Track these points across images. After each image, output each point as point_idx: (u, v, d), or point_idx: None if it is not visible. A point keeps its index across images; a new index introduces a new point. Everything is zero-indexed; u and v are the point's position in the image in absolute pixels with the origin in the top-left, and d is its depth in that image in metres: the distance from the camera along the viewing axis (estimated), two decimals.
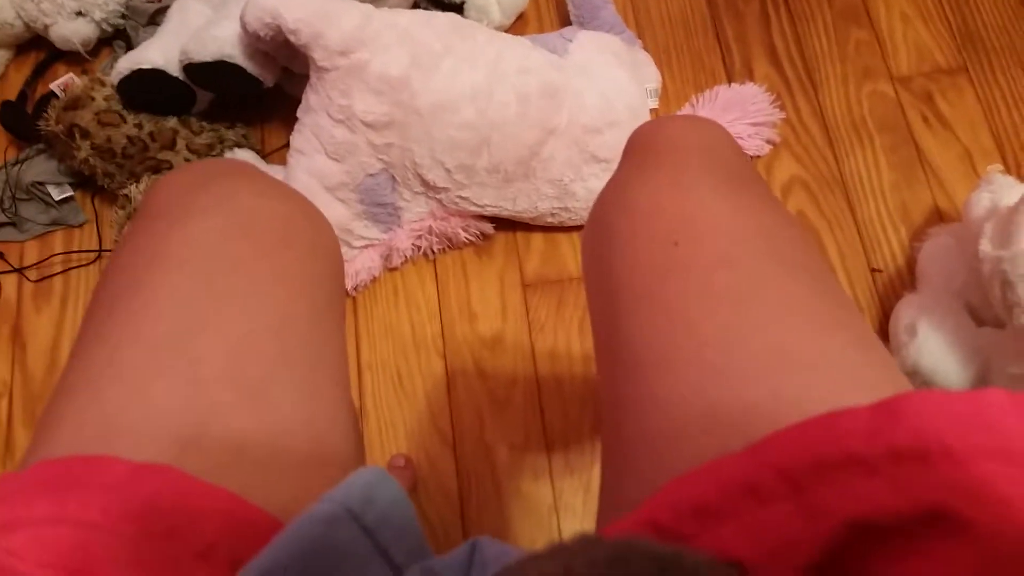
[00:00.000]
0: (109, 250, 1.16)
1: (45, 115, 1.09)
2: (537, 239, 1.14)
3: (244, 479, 0.38)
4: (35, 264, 1.15)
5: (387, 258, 1.11)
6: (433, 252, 1.12)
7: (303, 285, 0.47)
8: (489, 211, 1.09)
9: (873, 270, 1.12)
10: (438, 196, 1.07)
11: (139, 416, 0.38)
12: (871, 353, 0.37)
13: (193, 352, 0.40)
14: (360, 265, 1.09)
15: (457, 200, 1.07)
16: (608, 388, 0.42)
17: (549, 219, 1.11)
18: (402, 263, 1.12)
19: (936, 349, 0.93)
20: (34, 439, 0.40)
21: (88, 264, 1.16)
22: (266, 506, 0.38)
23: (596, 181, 1.08)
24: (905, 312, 0.99)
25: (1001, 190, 0.97)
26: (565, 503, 0.99)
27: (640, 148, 0.50)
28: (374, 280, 1.12)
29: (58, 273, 1.15)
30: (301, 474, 0.41)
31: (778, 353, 0.35)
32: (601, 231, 0.47)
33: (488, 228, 1.12)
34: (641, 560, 0.18)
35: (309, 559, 0.32)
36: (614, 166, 1.07)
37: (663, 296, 0.39)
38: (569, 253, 1.13)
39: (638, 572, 0.17)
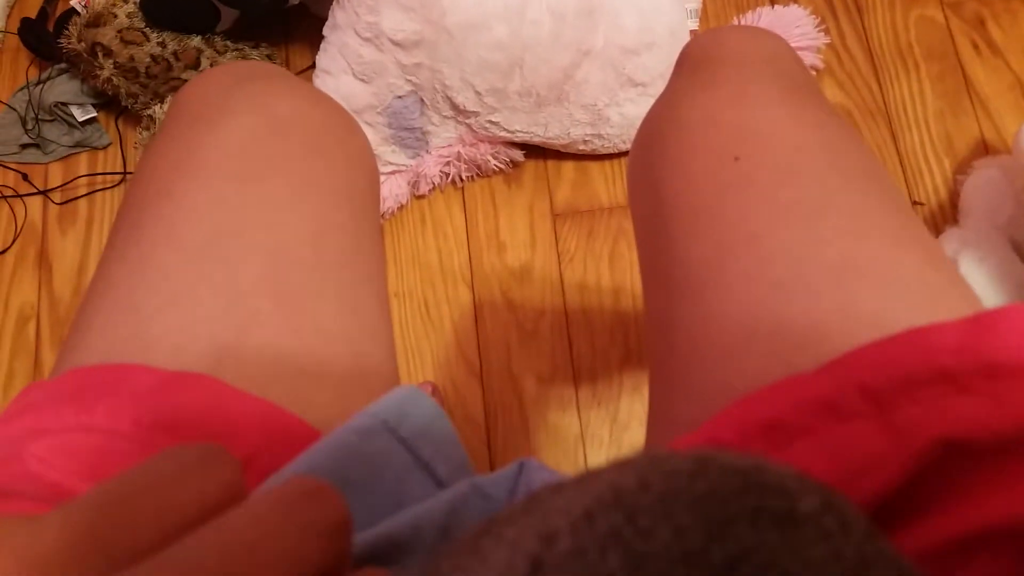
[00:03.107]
0: (133, 172, 1.15)
1: (66, 32, 1.06)
2: (568, 167, 1.11)
3: (282, 391, 0.37)
4: (59, 186, 1.14)
5: (414, 185, 1.09)
6: (461, 179, 1.10)
7: (341, 193, 0.46)
8: (520, 137, 1.06)
9: (915, 203, 1.09)
10: (467, 121, 1.04)
11: (174, 323, 0.37)
12: (943, 271, 0.35)
13: (230, 259, 0.39)
14: (387, 192, 1.08)
15: (487, 125, 1.04)
16: (659, 309, 0.40)
17: (581, 146, 1.08)
18: (430, 190, 1.10)
19: (978, 284, 0.91)
20: (64, 345, 0.39)
21: (113, 187, 1.15)
22: (304, 419, 0.37)
23: (632, 106, 1.04)
24: (947, 246, 0.96)
25: None
26: (592, 434, 0.99)
27: (696, 60, 0.47)
28: (401, 207, 1.10)
29: (83, 196, 1.14)
30: (340, 387, 0.40)
31: (850, 268, 0.33)
32: (652, 147, 0.44)
33: (518, 155, 1.09)
34: (721, 473, 0.16)
35: (345, 467, 0.31)
36: (651, 90, 1.06)
37: (723, 212, 0.37)
38: (600, 182, 1.11)
39: (719, 485, 0.16)
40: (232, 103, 0.45)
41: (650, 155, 0.44)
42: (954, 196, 1.07)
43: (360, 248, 0.46)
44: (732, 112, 0.40)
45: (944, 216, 1.07)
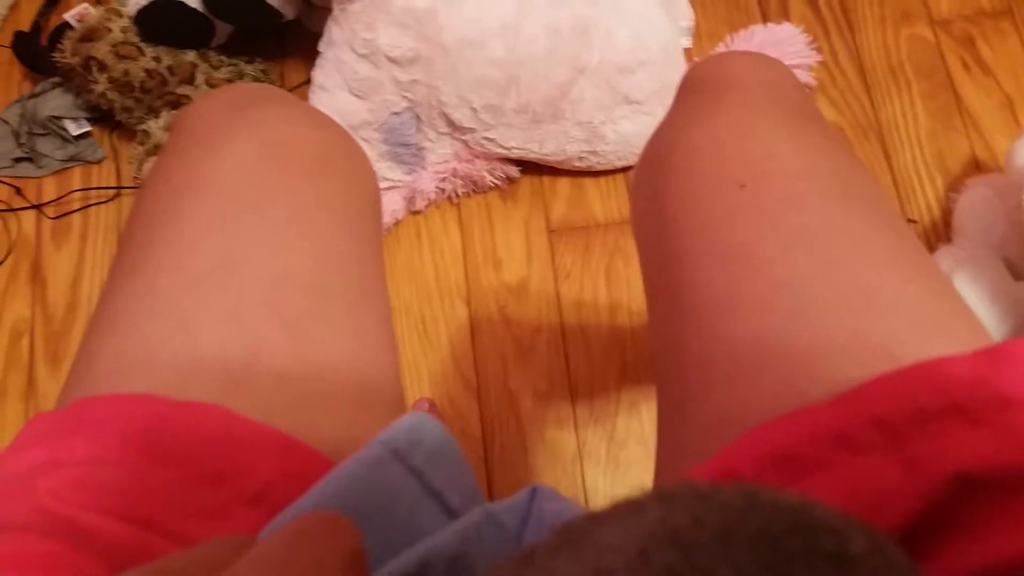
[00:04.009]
0: (128, 187, 1.14)
1: (60, 46, 1.06)
2: (564, 184, 1.12)
3: (290, 418, 0.37)
4: (53, 201, 1.13)
5: (410, 201, 1.09)
6: (457, 195, 1.10)
7: (343, 216, 0.46)
8: (516, 154, 1.06)
9: (909, 220, 1.09)
10: (464, 137, 1.04)
11: (182, 351, 0.36)
12: (949, 299, 0.35)
13: (235, 285, 0.39)
14: (383, 207, 1.07)
15: (483, 142, 1.04)
16: (666, 337, 0.40)
17: (577, 163, 1.08)
18: (425, 206, 1.10)
19: (973, 302, 0.91)
20: (69, 377, 0.39)
21: (107, 201, 1.14)
22: (313, 446, 0.36)
23: (627, 124, 1.05)
24: (941, 264, 0.96)
25: None
26: (589, 451, 0.98)
27: (698, 86, 0.48)
28: (397, 223, 1.10)
29: (77, 210, 1.13)
30: (347, 412, 0.40)
31: (859, 294, 0.33)
32: (657, 173, 0.45)
33: (514, 171, 1.10)
34: (773, 511, 0.16)
35: (357, 500, 0.31)
36: (646, 108, 1.06)
37: (731, 239, 0.37)
38: (596, 199, 1.11)
39: (772, 524, 0.16)
40: (234, 127, 0.45)
41: (655, 179, 0.45)
42: (947, 214, 1.08)
43: (363, 272, 0.46)
44: (737, 139, 0.41)
45: (937, 234, 1.08)
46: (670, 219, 0.41)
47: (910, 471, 0.26)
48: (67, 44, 1.05)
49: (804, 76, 1.14)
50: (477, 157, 1.07)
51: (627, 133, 1.06)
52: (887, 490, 0.26)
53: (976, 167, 1.11)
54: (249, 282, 0.39)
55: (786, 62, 1.12)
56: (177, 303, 0.38)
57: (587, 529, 0.18)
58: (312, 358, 0.39)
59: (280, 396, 0.37)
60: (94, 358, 0.38)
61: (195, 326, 0.37)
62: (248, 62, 1.15)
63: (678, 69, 1.06)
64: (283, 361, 0.38)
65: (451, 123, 1.02)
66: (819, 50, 1.16)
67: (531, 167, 1.10)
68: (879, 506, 0.26)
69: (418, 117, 1.02)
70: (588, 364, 1.02)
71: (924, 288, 0.34)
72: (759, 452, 0.29)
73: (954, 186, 1.09)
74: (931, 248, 1.05)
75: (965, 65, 1.17)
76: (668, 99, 1.04)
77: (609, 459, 0.98)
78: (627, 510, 0.18)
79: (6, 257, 1.10)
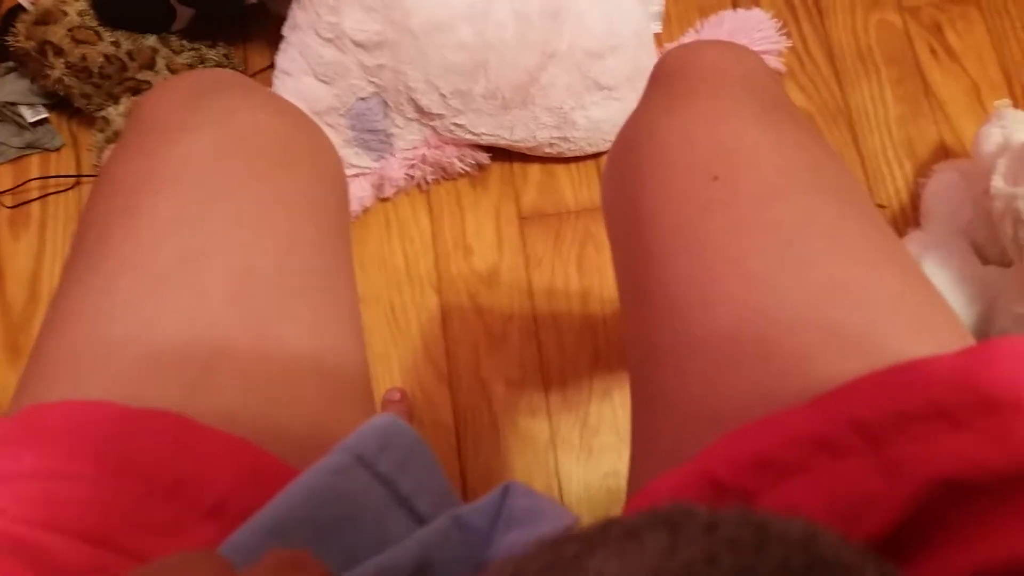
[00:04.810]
0: (88, 175, 1.11)
1: (13, 30, 1.02)
2: (534, 170, 1.11)
3: (252, 424, 0.35)
4: (10, 190, 1.10)
5: (379, 188, 1.08)
6: (427, 182, 1.09)
7: (309, 208, 0.44)
8: (485, 140, 1.05)
9: (878, 206, 1.10)
10: (432, 123, 1.03)
11: (140, 356, 0.35)
12: (923, 291, 0.35)
13: (195, 284, 0.37)
14: (351, 194, 1.06)
15: (452, 128, 1.03)
16: (639, 331, 0.40)
17: (547, 149, 1.07)
18: (394, 193, 1.08)
19: (941, 287, 0.92)
20: (23, 379, 0.37)
21: (67, 190, 1.11)
22: (276, 452, 0.35)
23: (597, 109, 1.04)
24: (910, 248, 0.97)
25: (1013, 125, 0.94)
26: (562, 438, 0.98)
27: (670, 76, 0.47)
28: (365, 211, 1.08)
29: (35, 199, 1.10)
30: (313, 414, 0.38)
31: (832, 291, 0.32)
32: (628, 166, 0.44)
33: (484, 158, 1.08)
34: (783, 546, 0.16)
35: (322, 510, 0.30)
36: (617, 94, 1.05)
37: (703, 233, 0.36)
38: (567, 185, 1.10)
39: (786, 561, 0.15)
40: (195, 116, 0.43)
41: (626, 172, 0.44)
42: (915, 199, 1.09)
43: (329, 265, 0.45)
44: (709, 131, 0.40)
45: (906, 218, 1.09)
46: (642, 211, 0.41)
47: (891, 475, 0.25)
48: (20, 28, 1.02)
49: (773, 62, 1.14)
50: (446, 143, 1.05)
51: (598, 119, 1.05)
52: (868, 495, 0.25)
53: (944, 152, 1.12)
54: (211, 280, 0.38)
55: (755, 48, 1.12)
56: (134, 304, 0.36)
57: (577, 556, 0.17)
58: (276, 358, 0.38)
59: (242, 399, 0.36)
60: (47, 361, 0.36)
61: (154, 327, 0.36)
62: (210, 46, 1.12)
63: (649, 54, 1.05)
64: (245, 363, 0.37)
65: (419, 109, 1.01)
66: (788, 35, 1.16)
67: (501, 153, 1.09)
68: (860, 511, 0.25)
69: (385, 103, 1.01)
70: (560, 352, 1.02)
71: (901, 283, 0.34)
72: (737, 456, 0.29)
73: (922, 171, 1.10)
74: (900, 233, 1.06)
75: (933, 51, 1.17)
76: (639, 85, 1.03)
77: (582, 446, 0.97)
78: (620, 535, 0.17)
79: None
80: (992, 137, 0.94)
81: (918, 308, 0.33)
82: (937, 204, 1.03)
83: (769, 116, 0.41)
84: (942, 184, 1.04)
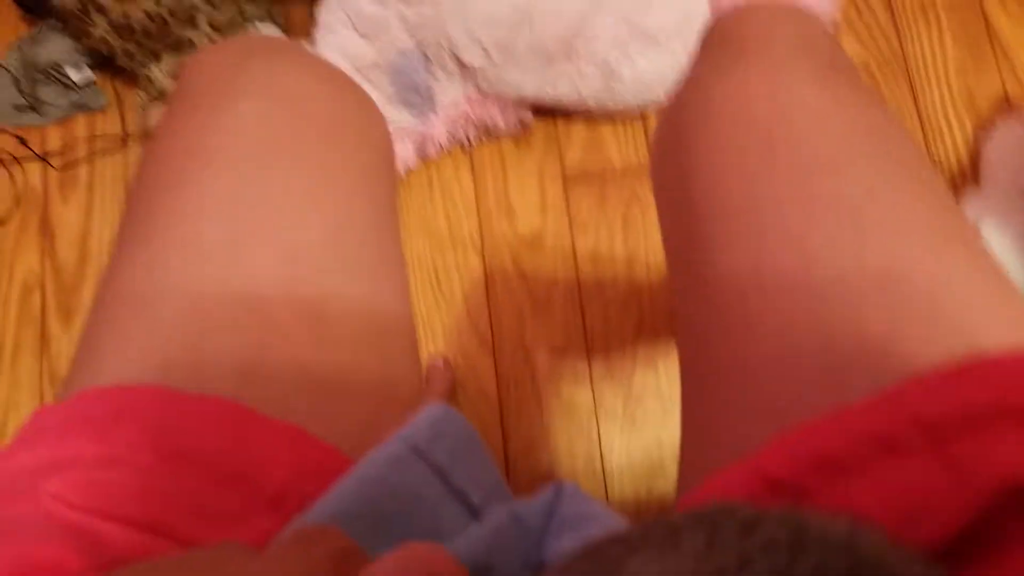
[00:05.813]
0: (134, 134, 1.12)
1: None
2: (579, 129, 1.08)
3: (307, 411, 0.35)
4: (59, 152, 1.11)
5: (421, 147, 1.07)
6: (469, 142, 1.07)
7: (359, 178, 0.43)
8: (528, 94, 1.03)
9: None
10: (474, 78, 1.01)
11: (194, 339, 0.35)
12: (991, 275, 0.33)
13: (247, 263, 0.37)
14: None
15: (493, 82, 1.01)
16: (689, 310, 0.38)
17: (592, 104, 1.05)
18: (437, 153, 1.07)
19: (999, 251, 0.89)
20: (75, 361, 0.38)
21: (113, 152, 1.12)
22: (330, 440, 0.35)
23: (644, 62, 1.01)
24: (967, 210, 0.94)
25: None
26: (605, 408, 0.98)
27: (722, 41, 0.44)
28: (408, 171, 1.07)
29: (83, 160, 1.11)
30: (366, 399, 0.38)
31: (895, 274, 0.31)
32: (678, 136, 0.42)
33: (527, 116, 1.06)
34: (822, 548, 0.15)
35: (378, 503, 0.30)
36: (665, 47, 1.02)
37: (758, 209, 0.35)
38: (612, 143, 1.08)
39: (825, 564, 0.15)
40: (242, 83, 0.42)
41: (677, 142, 0.42)
42: (975, 156, 1.05)
43: (381, 238, 0.44)
44: (764, 97, 0.38)
45: (964, 177, 1.05)
46: (692, 187, 0.39)
47: (956, 477, 0.24)
48: None
49: (829, 7, 1.09)
50: (489, 100, 1.04)
51: (644, 71, 1.02)
52: (930, 496, 0.24)
53: (1008, 105, 1.07)
54: (260, 262, 0.37)
55: None
56: (185, 285, 0.36)
57: (619, 558, 0.17)
58: (327, 342, 0.37)
59: (295, 387, 0.36)
60: (98, 344, 0.36)
61: (205, 312, 0.35)
62: (252, 2, 1.11)
63: (698, 1, 1.01)
64: (298, 349, 0.36)
65: (460, 63, 0.99)
66: None
67: (544, 111, 1.07)
68: (921, 514, 0.24)
69: (426, 56, 0.99)
70: (604, 319, 1.01)
71: (965, 264, 0.32)
72: (797, 454, 0.28)
73: (984, 125, 1.06)
74: (958, 192, 1.02)
75: None
76: (688, 35, 1.00)
77: (625, 416, 0.97)
78: (662, 537, 0.17)
79: (15, 210, 1.09)
80: None
81: (987, 293, 0.31)
82: (998, 161, 0.99)
83: (828, 80, 0.39)
84: (1005, 139, 0.99)
